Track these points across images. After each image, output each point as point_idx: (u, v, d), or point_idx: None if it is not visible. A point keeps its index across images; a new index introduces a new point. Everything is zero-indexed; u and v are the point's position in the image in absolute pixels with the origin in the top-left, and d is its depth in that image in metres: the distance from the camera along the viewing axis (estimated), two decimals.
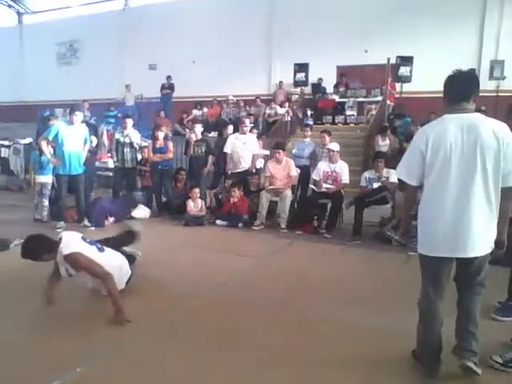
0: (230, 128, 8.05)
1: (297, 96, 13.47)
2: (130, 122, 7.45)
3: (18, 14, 20.25)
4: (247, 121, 7.81)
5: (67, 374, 2.50)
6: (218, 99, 13.80)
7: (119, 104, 14.49)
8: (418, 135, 2.54)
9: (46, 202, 6.69)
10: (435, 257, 2.45)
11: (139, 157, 7.67)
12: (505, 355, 2.60)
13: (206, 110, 13.65)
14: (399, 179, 2.66)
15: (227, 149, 7.22)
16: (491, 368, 2.57)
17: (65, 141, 6.08)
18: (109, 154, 9.12)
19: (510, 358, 2.58)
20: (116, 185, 7.52)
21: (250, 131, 7.97)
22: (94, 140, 7.88)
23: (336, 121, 12.33)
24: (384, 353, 2.83)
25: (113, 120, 12.76)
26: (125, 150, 7.24)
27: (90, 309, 3.46)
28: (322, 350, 2.88)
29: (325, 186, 6.41)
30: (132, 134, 7.32)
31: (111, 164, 8.32)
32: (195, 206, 6.82)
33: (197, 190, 6.88)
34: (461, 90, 2.45)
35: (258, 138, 8.35)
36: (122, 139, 7.26)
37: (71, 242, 3.30)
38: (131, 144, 7.25)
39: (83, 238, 3.47)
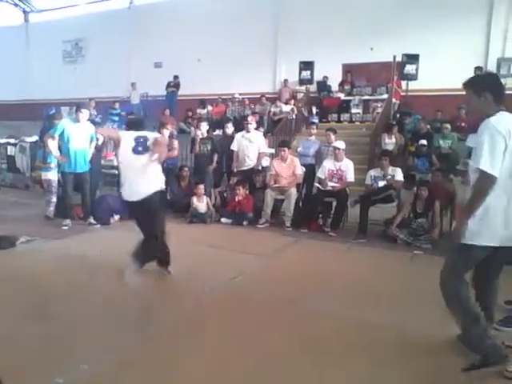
0: (230, 125, 8.06)
1: (302, 94, 13.40)
2: None
3: (24, 12, 20.32)
4: (249, 118, 7.80)
5: (71, 371, 2.51)
6: (223, 97, 13.79)
7: (124, 102, 14.53)
8: (496, 123, 2.44)
9: (54, 199, 6.72)
10: (486, 246, 2.54)
11: None
12: None
13: (210, 108, 13.65)
14: (481, 170, 2.41)
15: (234, 146, 7.23)
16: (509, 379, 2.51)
17: (71, 139, 6.11)
18: (114, 152, 9.12)
19: None
20: (119, 182, 7.51)
21: (256, 129, 7.94)
22: (100, 138, 7.88)
23: (341, 119, 12.27)
24: (386, 348, 2.84)
25: (117, 118, 12.79)
26: None
27: (96, 308, 3.47)
28: (326, 345, 2.88)
29: (330, 184, 6.39)
30: None
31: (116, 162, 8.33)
32: (199, 201, 6.81)
33: (201, 187, 6.87)
34: (503, 91, 2.64)
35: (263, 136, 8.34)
36: None
37: None
38: None
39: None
